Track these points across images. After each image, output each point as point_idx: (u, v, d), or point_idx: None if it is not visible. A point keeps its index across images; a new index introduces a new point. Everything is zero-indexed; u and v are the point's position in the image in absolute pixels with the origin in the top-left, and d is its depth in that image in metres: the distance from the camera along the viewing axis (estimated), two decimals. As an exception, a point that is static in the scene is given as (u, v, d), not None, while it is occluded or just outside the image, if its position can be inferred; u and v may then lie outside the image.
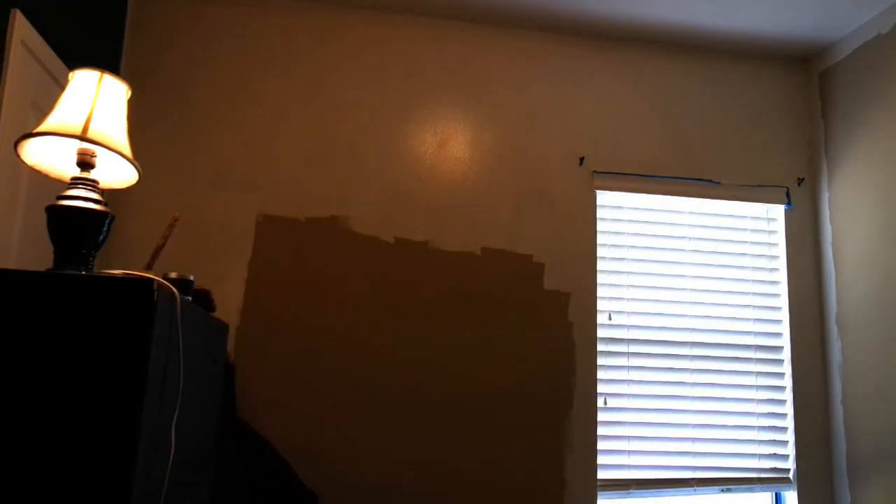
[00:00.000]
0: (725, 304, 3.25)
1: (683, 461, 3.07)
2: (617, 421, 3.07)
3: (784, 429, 3.17)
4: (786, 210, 3.36)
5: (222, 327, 1.96)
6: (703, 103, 3.40)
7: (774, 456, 3.14)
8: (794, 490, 3.11)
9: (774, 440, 3.16)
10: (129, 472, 1.15)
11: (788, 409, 3.19)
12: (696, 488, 3.04)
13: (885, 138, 2.97)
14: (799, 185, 3.39)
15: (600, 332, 3.13)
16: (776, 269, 3.33)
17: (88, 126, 1.38)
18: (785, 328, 3.27)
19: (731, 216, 3.36)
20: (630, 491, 3.00)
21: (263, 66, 3.08)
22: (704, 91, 3.42)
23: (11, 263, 2.03)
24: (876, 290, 2.94)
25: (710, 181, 3.32)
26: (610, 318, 3.16)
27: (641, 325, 3.17)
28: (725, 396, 3.16)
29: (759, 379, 3.21)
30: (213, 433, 1.90)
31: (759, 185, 3.35)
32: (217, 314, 2.82)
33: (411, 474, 2.85)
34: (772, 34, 3.29)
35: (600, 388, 3.07)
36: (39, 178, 2.17)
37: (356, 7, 3.19)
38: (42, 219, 2.23)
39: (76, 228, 1.35)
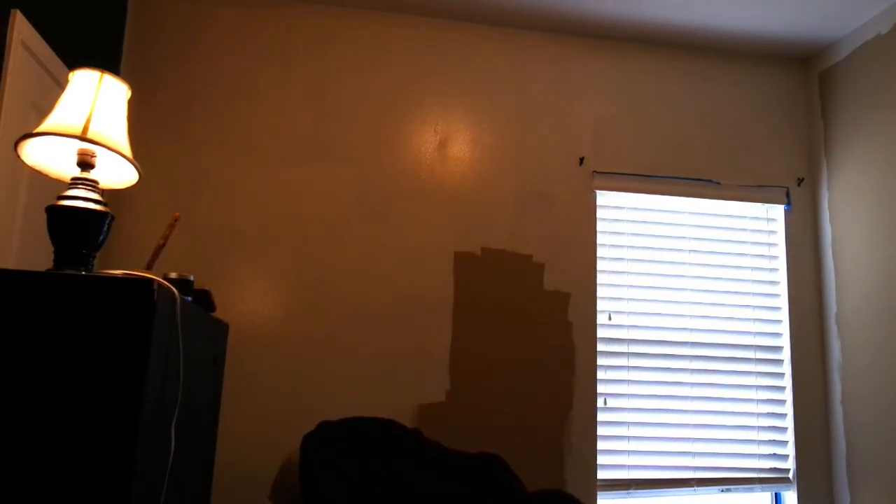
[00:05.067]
0: (725, 305, 3.26)
1: (683, 461, 3.07)
2: (617, 421, 3.07)
3: (784, 429, 3.17)
4: (785, 210, 3.36)
5: (222, 327, 1.96)
6: (702, 103, 3.40)
7: (774, 456, 3.14)
8: (793, 490, 3.11)
9: (774, 440, 3.16)
10: (129, 472, 1.15)
11: (788, 409, 3.19)
12: (695, 488, 3.04)
13: (885, 138, 2.97)
14: (799, 185, 3.39)
15: (600, 332, 3.13)
16: (776, 270, 3.34)
17: (88, 126, 1.38)
18: (784, 328, 3.27)
19: (731, 216, 3.36)
20: (630, 491, 3.00)
21: (263, 66, 3.08)
22: (704, 91, 3.42)
23: (12, 263, 2.03)
24: (876, 291, 2.94)
25: (709, 181, 3.32)
26: (610, 318, 3.16)
27: (641, 325, 3.18)
28: (725, 396, 3.16)
29: (758, 379, 3.21)
30: (212, 433, 1.90)
31: (759, 186, 3.35)
32: (217, 314, 2.82)
33: (411, 474, 2.85)
34: (772, 34, 3.29)
35: (600, 388, 3.07)
36: (39, 179, 2.18)
37: (356, 7, 3.19)
38: (42, 219, 2.23)
39: (76, 228, 1.35)
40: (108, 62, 2.82)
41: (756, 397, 3.19)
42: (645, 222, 3.28)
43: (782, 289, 3.31)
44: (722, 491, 3.07)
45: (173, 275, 1.51)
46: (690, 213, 3.32)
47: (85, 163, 1.41)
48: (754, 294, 3.29)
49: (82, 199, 1.37)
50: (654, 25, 3.25)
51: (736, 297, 3.27)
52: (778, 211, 3.38)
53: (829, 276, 3.24)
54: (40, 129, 1.38)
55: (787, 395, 3.20)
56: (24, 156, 1.45)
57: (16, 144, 1.40)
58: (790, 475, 3.14)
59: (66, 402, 1.16)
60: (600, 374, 3.08)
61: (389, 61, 3.19)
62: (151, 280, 1.22)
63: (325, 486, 1.81)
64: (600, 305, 3.16)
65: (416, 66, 3.20)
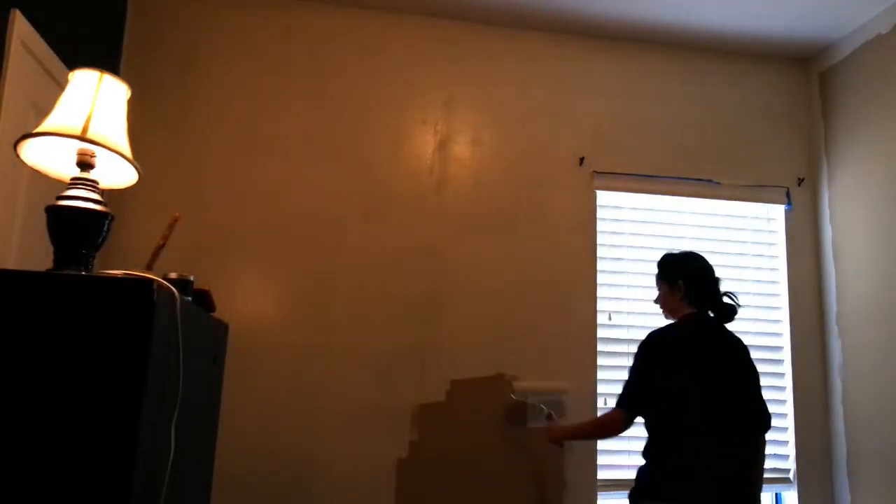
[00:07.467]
0: (725, 304, 3.25)
1: (683, 461, 3.06)
2: (617, 421, 3.06)
3: (784, 429, 3.17)
4: (786, 210, 3.36)
5: (222, 327, 1.96)
6: (703, 103, 3.40)
7: (774, 456, 3.14)
8: (794, 490, 3.11)
9: (774, 440, 3.15)
10: (129, 472, 1.15)
11: (788, 408, 3.19)
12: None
13: (885, 138, 2.97)
14: (799, 185, 3.39)
15: (600, 332, 3.12)
16: (776, 270, 3.33)
17: (88, 126, 1.38)
18: (785, 328, 3.27)
19: (731, 216, 3.36)
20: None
21: (263, 65, 3.08)
22: (704, 91, 3.42)
23: (11, 263, 2.03)
24: (876, 290, 2.94)
25: (710, 181, 3.32)
26: (610, 318, 3.16)
27: (641, 325, 3.17)
28: (725, 396, 3.16)
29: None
30: (213, 433, 1.90)
31: (759, 186, 3.35)
32: (217, 314, 2.82)
33: (411, 475, 2.85)
34: (772, 34, 3.29)
35: (600, 389, 3.06)
36: (39, 179, 2.17)
37: (356, 7, 3.19)
38: (42, 219, 2.22)
39: (76, 229, 1.35)
40: (107, 62, 2.81)
41: (756, 397, 3.18)
42: (645, 222, 3.28)
43: (782, 289, 3.31)
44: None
45: (173, 275, 1.50)
46: (691, 213, 3.32)
47: (85, 163, 1.41)
48: (754, 294, 3.29)
49: (82, 199, 1.36)
50: (654, 25, 3.25)
51: (736, 297, 3.27)
52: (778, 211, 3.37)
53: (830, 275, 3.23)
54: (40, 129, 1.38)
55: (788, 395, 3.20)
56: (24, 156, 1.44)
57: (15, 144, 1.40)
58: (790, 475, 3.13)
59: (65, 403, 1.15)
60: (600, 374, 3.08)
61: (389, 61, 3.19)
62: (151, 280, 1.22)
63: None
64: (600, 305, 3.15)
65: (416, 65, 3.20)
